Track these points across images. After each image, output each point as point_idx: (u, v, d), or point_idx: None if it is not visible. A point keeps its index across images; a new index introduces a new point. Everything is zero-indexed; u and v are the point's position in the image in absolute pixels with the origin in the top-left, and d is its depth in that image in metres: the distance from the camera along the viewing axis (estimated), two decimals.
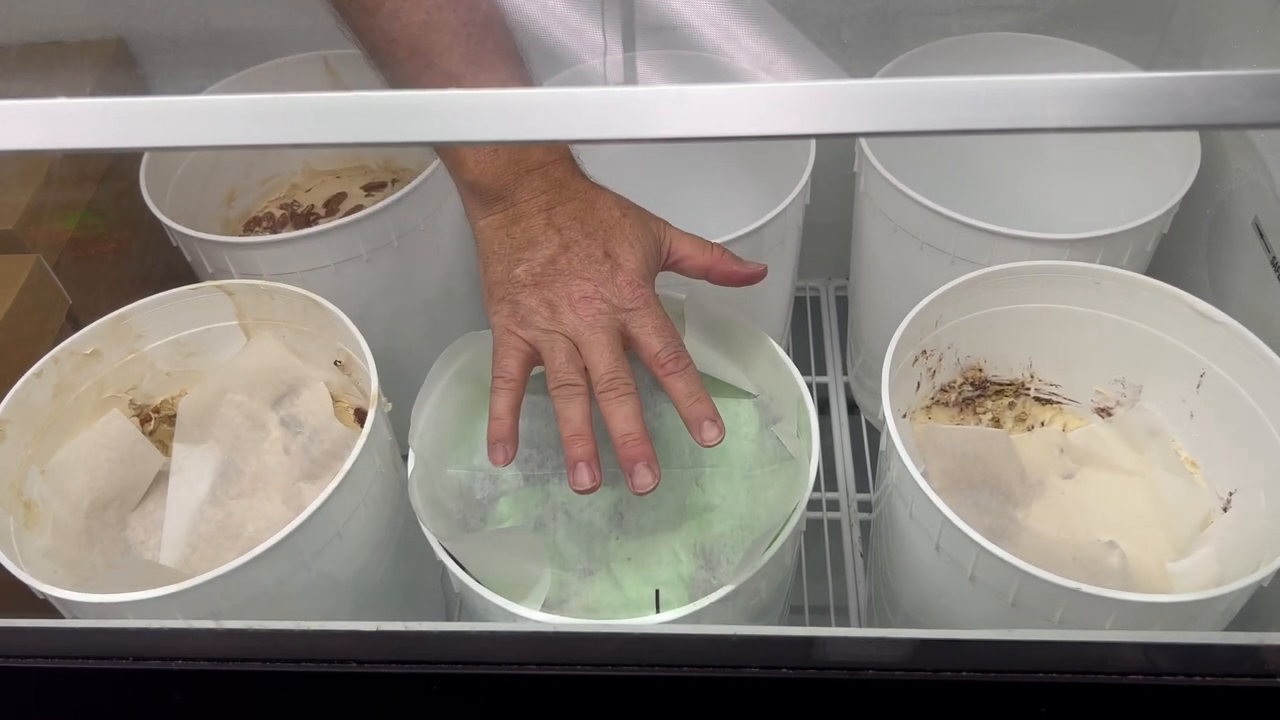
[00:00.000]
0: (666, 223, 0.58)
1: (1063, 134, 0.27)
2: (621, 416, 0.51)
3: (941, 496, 0.52)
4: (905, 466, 0.54)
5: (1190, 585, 0.58)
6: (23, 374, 0.63)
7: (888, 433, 0.57)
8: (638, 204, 0.57)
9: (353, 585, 0.61)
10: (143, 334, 0.69)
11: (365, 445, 0.57)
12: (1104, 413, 0.68)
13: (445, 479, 0.61)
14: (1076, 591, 0.48)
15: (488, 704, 0.41)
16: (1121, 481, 0.65)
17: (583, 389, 0.52)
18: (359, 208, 0.75)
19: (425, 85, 0.53)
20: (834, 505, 0.87)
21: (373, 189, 0.91)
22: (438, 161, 0.76)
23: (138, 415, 0.70)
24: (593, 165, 0.89)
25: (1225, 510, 0.61)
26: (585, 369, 0.53)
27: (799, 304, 1.01)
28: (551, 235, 0.54)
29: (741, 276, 0.58)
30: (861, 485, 0.88)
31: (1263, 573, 0.49)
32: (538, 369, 0.65)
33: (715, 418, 0.52)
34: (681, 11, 0.75)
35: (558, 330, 0.53)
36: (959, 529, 0.51)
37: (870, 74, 0.77)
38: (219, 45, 0.86)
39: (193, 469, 0.68)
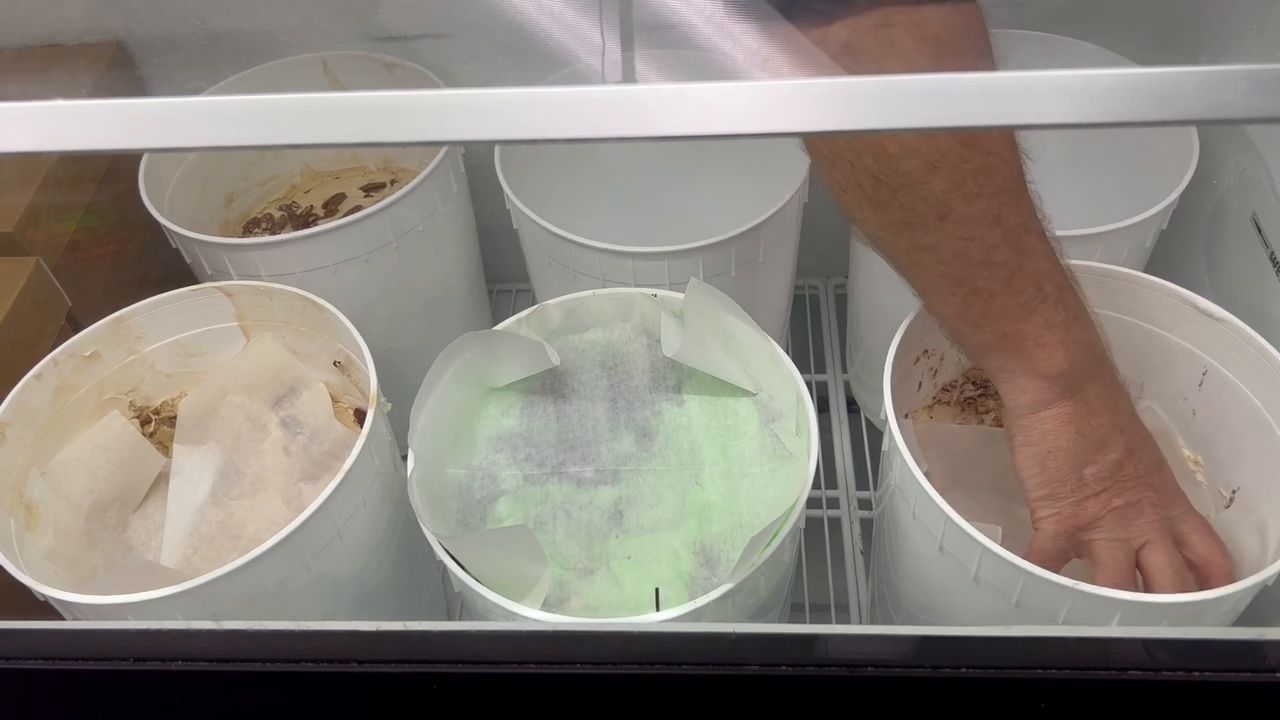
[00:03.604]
0: None
1: (1060, 130, 0.27)
2: None
3: (944, 496, 0.52)
4: (908, 467, 0.54)
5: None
6: (23, 376, 0.63)
7: (890, 433, 0.57)
8: None
9: (353, 585, 0.61)
10: (142, 336, 0.69)
11: (365, 445, 0.57)
12: None
13: (445, 479, 0.61)
14: (1082, 592, 0.48)
15: (488, 703, 0.41)
16: None
17: None
18: (358, 208, 0.75)
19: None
20: (834, 503, 0.87)
21: (371, 190, 0.91)
22: (436, 162, 0.76)
23: (138, 417, 0.70)
24: (592, 165, 0.90)
25: (1228, 508, 0.61)
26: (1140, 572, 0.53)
27: (798, 302, 1.01)
28: (1118, 437, 0.53)
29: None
30: (861, 483, 0.88)
31: (1268, 573, 0.49)
32: (547, 368, 0.65)
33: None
34: (679, 10, 0.74)
35: (1126, 538, 0.53)
36: (963, 530, 0.51)
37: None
38: (217, 47, 0.86)
39: (193, 470, 0.68)
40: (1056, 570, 0.52)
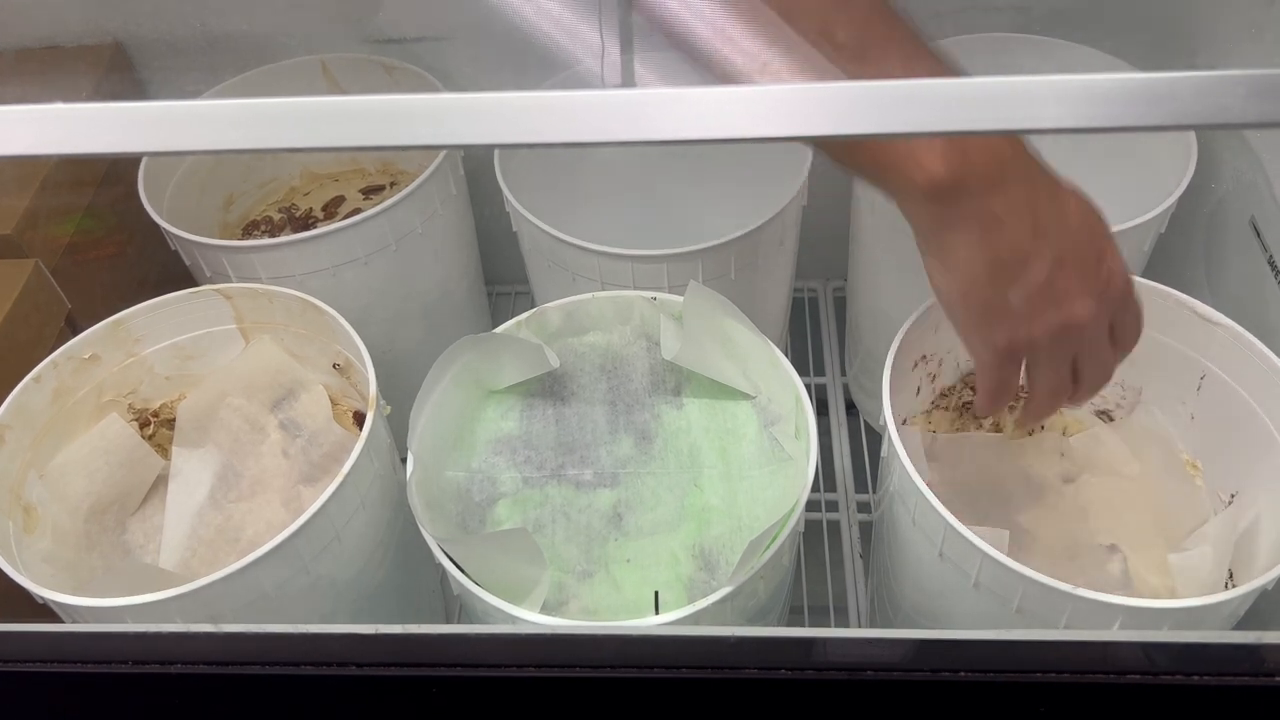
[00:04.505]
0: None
1: (1058, 134, 0.27)
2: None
3: (942, 502, 0.52)
4: (907, 473, 0.54)
5: (1191, 579, 0.58)
6: (22, 379, 0.63)
7: (889, 439, 0.57)
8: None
9: (352, 588, 0.61)
10: (141, 338, 0.69)
11: (364, 448, 0.57)
12: (1104, 416, 0.68)
13: (444, 481, 0.61)
14: (1083, 598, 0.48)
15: (487, 706, 0.41)
16: (1123, 485, 0.65)
17: None
18: (357, 211, 0.75)
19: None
20: (833, 506, 0.87)
21: (371, 192, 0.91)
22: (435, 165, 0.76)
23: (137, 419, 0.70)
24: (591, 167, 0.90)
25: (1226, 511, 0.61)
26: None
27: (797, 305, 1.01)
28: (1043, 249, 0.46)
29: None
30: (860, 486, 0.88)
31: (1269, 577, 0.49)
32: (546, 371, 0.65)
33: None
34: (678, 13, 0.74)
35: (1067, 351, 0.49)
36: (963, 536, 0.51)
37: None
38: (216, 49, 0.86)
39: (192, 473, 0.68)
40: (1013, 389, 0.50)
